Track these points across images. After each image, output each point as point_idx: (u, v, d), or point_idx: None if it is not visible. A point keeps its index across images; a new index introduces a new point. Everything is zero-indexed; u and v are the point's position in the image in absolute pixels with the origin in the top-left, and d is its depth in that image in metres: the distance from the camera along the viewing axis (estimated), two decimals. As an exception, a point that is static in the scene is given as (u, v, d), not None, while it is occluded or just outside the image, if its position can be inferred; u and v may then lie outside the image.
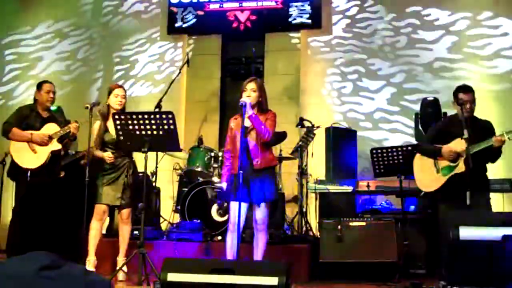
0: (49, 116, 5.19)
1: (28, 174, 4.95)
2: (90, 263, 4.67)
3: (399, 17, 7.31)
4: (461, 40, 7.08)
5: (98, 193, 4.72)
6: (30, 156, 4.99)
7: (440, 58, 7.09)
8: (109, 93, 4.87)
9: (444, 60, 7.08)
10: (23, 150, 5.00)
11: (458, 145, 4.46)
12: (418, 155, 4.78)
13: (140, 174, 5.02)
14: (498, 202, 5.92)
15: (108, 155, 4.71)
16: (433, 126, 4.99)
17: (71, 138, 5.12)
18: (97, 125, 4.82)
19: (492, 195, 5.73)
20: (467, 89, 4.52)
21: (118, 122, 4.35)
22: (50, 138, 5.02)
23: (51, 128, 5.08)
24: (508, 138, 4.22)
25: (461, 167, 4.39)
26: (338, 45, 7.42)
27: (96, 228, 4.74)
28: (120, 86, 4.98)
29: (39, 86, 5.22)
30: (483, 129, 4.38)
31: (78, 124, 5.03)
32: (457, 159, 4.43)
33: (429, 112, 5.94)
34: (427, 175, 4.63)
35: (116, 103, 4.81)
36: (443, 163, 4.52)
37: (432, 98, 6.10)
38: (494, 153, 4.38)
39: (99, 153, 4.76)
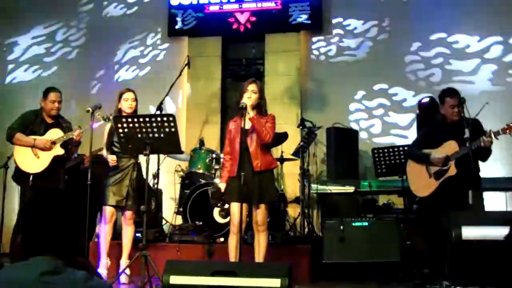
0: (54, 122, 5.20)
1: (31, 178, 4.98)
2: (102, 265, 4.72)
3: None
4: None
5: (105, 196, 4.78)
6: (32, 161, 5.02)
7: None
8: (119, 97, 4.91)
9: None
10: (26, 154, 5.04)
11: (446, 149, 4.48)
12: (409, 160, 4.80)
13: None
14: (501, 201, 5.91)
15: (111, 158, 4.74)
16: (422, 129, 5.00)
17: (75, 143, 5.13)
18: (108, 127, 4.87)
19: (495, 194, 5.73)
20: (453, 92, 4.53)
21: (119, 125, 4.35)
22: (53, 143, 5.04)
23: (54, 134, 5.10)
24: (496, 138, 4.24)
25: (452, 171, 4.41)
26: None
27: (106, 230, 4.81)
28: (130, 90, 4.99)
29: (46, 93, 5.22)
30: (472, 129, 4.33)
31: (81, 130, 5.04)
32: (447, 163, 4.44)
33: (424, 116, 5.89)
34: (420, 180, 4.65)
35: (127, 107, 4.87)
36: (435, 168, 4.54)
37: (427, 100, 6.04)
38: (484, 152, 4.39)
39: (105, 155, 4.80)
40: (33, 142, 5.04)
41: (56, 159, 5.06)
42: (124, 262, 4.78)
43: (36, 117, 5.20)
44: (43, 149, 5.03)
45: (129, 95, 4.91)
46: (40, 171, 5.01)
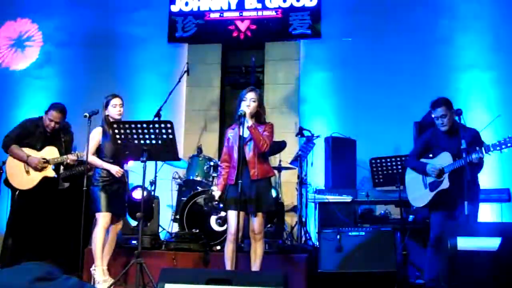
0: (53, 135, 5.18)
1: (17, 193, 4.95)
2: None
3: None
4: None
5: (102, 203, 4.64)
6: (22, 177, 5.01)
7: None
8: (107, 104, 4.78)
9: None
10: (18, 168, 5.03)
11: (442, 160, 4.47)
12: (408, 169, 4.80)
13: (139, 184, 5.01)
14: (496, 212, 5.91)
15: (116, 170, 4.70)
16: (419, 138, 5.00)
17: (69, 165, 5.13)
18: (97, 132, 4.74)
19: (490, 205, 5.73)
20: (435, 104, 4.49)
21: (116, 131, 4.34)
22: (47, 162, 5.02)
23: (50, 153, 5.08)
24: (489, 153, 4.22)
25: (445, 184, 4.40)
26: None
27: (103, 237, 4.65)
28: (117, 96, 4.85)
29: (48, 109, 5.21)
30: (471, 141, 4.32)
31: (76, 158, 5.02)
32: (442, 175, 4.44)
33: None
34: (417, 191, 4.66)
35: (116, 113, 4.77)
36: (430, 179, 4.54)
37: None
38: (476, 166, 4.36)
39: (105, 164, 4.71)
40: (26, 158, 5.02)
41: (45, 179, 5.02)
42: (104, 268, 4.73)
43: (37, 127, 5.16)
44: (34, 168, 5.00)
45: (117, 101, 4.79)
46: (26, 188, 4.98)
